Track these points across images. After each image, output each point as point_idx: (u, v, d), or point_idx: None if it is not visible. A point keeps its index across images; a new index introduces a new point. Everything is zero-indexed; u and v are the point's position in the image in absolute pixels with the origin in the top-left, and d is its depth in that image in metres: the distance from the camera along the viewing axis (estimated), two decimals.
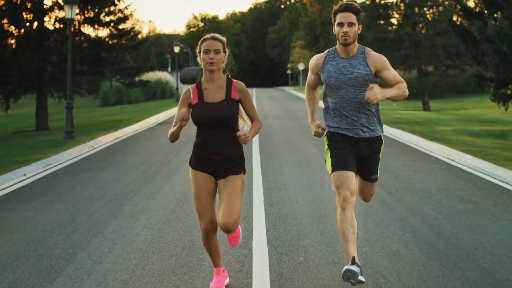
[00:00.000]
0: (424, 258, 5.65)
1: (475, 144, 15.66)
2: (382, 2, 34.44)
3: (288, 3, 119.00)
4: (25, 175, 11.06)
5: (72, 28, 25.63)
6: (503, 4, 15.26)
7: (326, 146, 5.09)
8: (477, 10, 18.88)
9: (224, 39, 4.89)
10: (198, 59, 4.87)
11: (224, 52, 4.86)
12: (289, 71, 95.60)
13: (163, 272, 5.33)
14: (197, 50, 4.87)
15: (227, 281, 5.00)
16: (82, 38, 26.49)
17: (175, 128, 4.70)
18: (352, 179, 4.85)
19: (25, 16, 25.63)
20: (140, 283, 5.04)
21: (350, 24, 4.83)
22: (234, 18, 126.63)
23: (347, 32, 4.82)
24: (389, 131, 18.35)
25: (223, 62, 4.86)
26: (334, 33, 4.92)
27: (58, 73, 24.65)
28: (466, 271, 5.29)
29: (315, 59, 5.14)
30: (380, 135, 5.10)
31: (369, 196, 5.40)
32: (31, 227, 7.06)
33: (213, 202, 4.85)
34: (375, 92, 4.67)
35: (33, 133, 23.99)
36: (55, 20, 26.42)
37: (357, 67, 4.91)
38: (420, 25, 33.68)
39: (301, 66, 78.12)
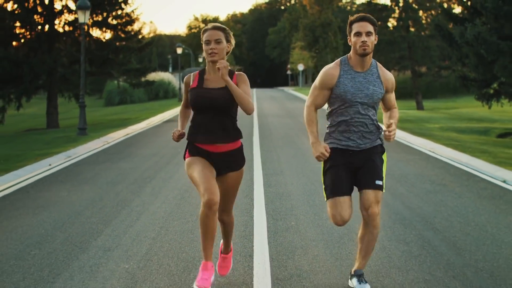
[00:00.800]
0: (390, 222, 7.03)
1: (458, 139, 17.03)
2: (379, 5, 35.82)
3: (288, 4, 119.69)
4: (50, 165, 12.42)
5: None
6: (481, 11, 16.63)
7: (322, 167, 4.99)
8: (461, 15, 20.23)
9: (225, 27, 4.77)
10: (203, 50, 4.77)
11: (228, 41, 4.78)
12: (289, 72, 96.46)
13: (183, 232, 6.69)
14: (201, 41, 4.78)
15: (213, 278, 4.73)
16: (91, 40, 27.89)
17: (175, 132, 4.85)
18: (347, 204, 4.79)
19: (36, 19, 27.05)
20: (166, 239, 6.40)
21: (368, 34, 4.74)
22: (235, 19, 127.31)
23: (366, 41, 4.71)
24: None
25: (227, 53, 4.78)
26: (350, 43, 4.82)
27: (68, 74, 26.06)
28: (423, 231, 6.66)
29: (328, 72, 4.88)
30: (380, 144, 4.98)
31: (374, 206, 4.76)
32: (68, 203, 8.43)
33: (214, 177, 4.72)
34: (394, 133, 4.75)
35: (45, 131, 25.31)
36: (65, 23, 27.85)
37: (372, 83, 4.82)
38: (412, 29, 35.10)
39: (300, 67, 79.29)
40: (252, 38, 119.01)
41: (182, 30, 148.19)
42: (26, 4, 26.52)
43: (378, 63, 4.93)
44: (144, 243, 6.20)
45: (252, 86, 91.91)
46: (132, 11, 28.64)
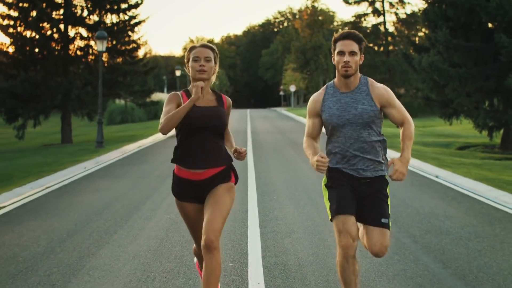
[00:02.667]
0: None
1: (420, 150, 20.23)
2: (367, 28, 39.26)
3: (281, 27, 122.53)
4: (85, 168, 15.55)
5: (93, 56, 30.57)
6: (435, 44, 19.88)
7: (323, 186, 4.72)
8: (423, 46, 23.54)
9: (215, 48, 4.61)
10: (186, 69, 4.60)
11: (215, 62, 4.60)
12: (281, 93, 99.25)
13: None
14: (185, 60, 4.59)
15: None
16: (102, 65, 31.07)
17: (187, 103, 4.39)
18: (353, 221, 4.45)
19: (53, 45, 30.19)
20: None
21: (352, 53, 4.44)
22: (229, 41, 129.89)
23: (348, 62, 4.43)
24: None
25: (213, 74, 4.61)
26: (333, 63, 4.54)
27: (82, 95, 29.21)
28: None
29: (313, 99, 4.69)
30: (384, 175, 4.64)
31: (382, 249, 4.56)
32: (108, 192, 11.54)
33: None
34: (400, 172, 4.39)
35: (61, 145, 28.36)
36: (77, 49, 31.02)
37: (361, 102, 4.50)
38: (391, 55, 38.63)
39: (292, 88, 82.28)
40: (246, 59, 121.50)
41: (177, 52, 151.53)
42: (43, 31, 29.71)
43: (369, 79, 4.61)
44: (175, 213, 9.35)
45: (246, 106, 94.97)
46: (139, 38, 31.86)
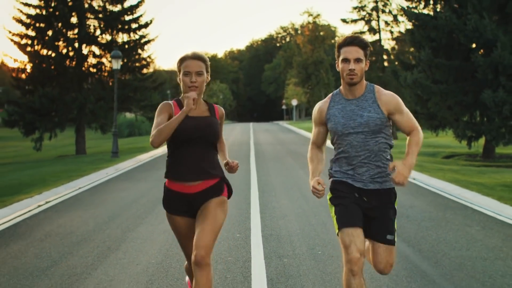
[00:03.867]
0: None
1: None
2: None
3: (283, 42, 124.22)
4: (107, 173, 17.61)
5: (106, 73, 32.78)
6: (418, 63, 21.97)
7: (328, 201, 4.58)
8: (410, 63, 25.64)
9: (206, 57, 4.47)
10: (178, 79, 4.43)
11: (207, 72, 4.46)
12: (284, 106, 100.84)
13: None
14: (177, 69, 4.40)
15: None
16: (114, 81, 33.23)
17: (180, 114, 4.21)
18: (360, 236, 4.31)
19: (67, 63, 32.32)
20: None
21: (357, 60, 4.28)
22: (232, 55, 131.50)
23: (353, 69, 4.27)
24: None
25: (206, 83, 4.45)
26: (338, 69, 4.40)
27: (97, 109, 31.34)
28: None
29: (318, 107, 4.59)
30: (393, 188, 4.54)
31: (387, 266, 4.56)
32: (132, 190, 13.56)
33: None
34: (402, 174, 4.23)
35: (76, 156, 30.37)
36: (89, 66, 33.16)
37: (366, 109, 4.36)
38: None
39: (294, 102, 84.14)
40: (249, 74, 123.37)
41: None
42: (59, 49, 31.87)
43: (376, 86, 4.45)
44: None
45: (249, 120, 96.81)
46: (148, 56, 34.02)
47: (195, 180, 4.37)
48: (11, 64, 32.67)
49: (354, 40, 4.32)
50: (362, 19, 41.29)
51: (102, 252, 7.47)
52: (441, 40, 20.73)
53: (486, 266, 6.56)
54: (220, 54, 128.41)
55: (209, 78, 4.53)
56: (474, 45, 20.50)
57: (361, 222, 4.38)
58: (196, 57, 4.40)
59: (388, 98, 4.39)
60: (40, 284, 6.09)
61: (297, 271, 6.37)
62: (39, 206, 11.38)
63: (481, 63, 19.32)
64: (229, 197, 4.60)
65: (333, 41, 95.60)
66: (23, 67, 32.06)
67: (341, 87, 4.48)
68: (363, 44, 4.34)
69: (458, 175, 16.42)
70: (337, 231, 4.39)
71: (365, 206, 4.45)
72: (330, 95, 4.57)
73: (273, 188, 13.26)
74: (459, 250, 7.34)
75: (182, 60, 4.42)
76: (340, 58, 4.35)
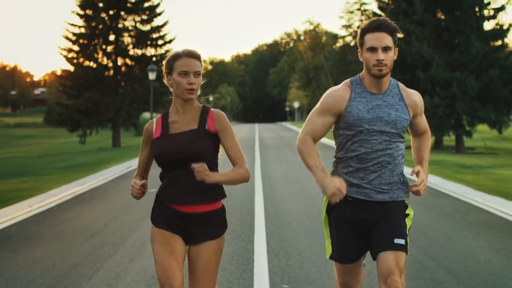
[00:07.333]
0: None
1: None
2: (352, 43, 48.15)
3: (287, 47, 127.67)
4: None
5: (137, 81, 39.90)
6: None
7: (324, 218, 3.87)
8: None
9: (200, 55, 3.65)
10: (166, 80, 3.68)
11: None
12: (287, 108, 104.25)
13: None
14: (164, 70, 3.66)
15: None
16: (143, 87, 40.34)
17: (133, 188, 3.69)
18: (358, 270, 3.82)
19: (106, 73, 39.44)
20: None
21: (386, 49, 3.56)
22: (238, 60, 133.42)
23: (382, 60, 3.54)
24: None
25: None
26: (361, 59, 3.66)
27: (131, 110, 38.45)
28: None
29: (336, 94, 3.70)
30: (404, 201, 3.76)
31: (397, 272, 3.48)
32: None
33: (182, 268, 3.59)
34: (424, 183, 3.63)
35: (114, 148, 37.30)
36: (123, 75, 40.23)
37: (394, 107, 3.64)
38: None
39: (296, 104, 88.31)
40: (254, 77, 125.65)
41: None
42: (99, 60, 39.01)
43: (399, 83, 3.77)
44: None
45: (254, 121, 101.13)
46: None
47: (190, 203, 3.57)
48: (59, 73, 39.78)
49: (381, 25, 3.57)
50: (350, 35, 48.32)
51: None
52: (396, 60, 27.78)
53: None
54: (227, 59, 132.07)
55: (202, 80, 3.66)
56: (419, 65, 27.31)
57: (362, 252, 3.78)
58: (193, 55, 3.60)
59: (416, 98, 3.76)
60: None
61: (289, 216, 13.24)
62: (127, 168, 18.43)
63: (422, 78, 26.31)
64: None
65: (334, 46, 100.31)
66: (69, 76, 39.19)
67: (360, 75, 3.72)
68: (391, 29, 3.59)
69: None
70: (328, 257, 3.87)
71: (367, 222, 3.71)
72: (347, 82, 3.75)
73: (270, 160, 20.25)
74: None
75: (175, 58, 3.60)
76: (365, 47, 3.61)
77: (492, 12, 27.57)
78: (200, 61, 3.65)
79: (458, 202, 11.35)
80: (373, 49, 3.58)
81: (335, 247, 3.81)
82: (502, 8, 27.36)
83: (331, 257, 3.86)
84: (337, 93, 3.72)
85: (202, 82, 3.69)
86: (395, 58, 3.68)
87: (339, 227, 3.78)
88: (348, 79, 3.79)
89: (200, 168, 3.44)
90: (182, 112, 3.67)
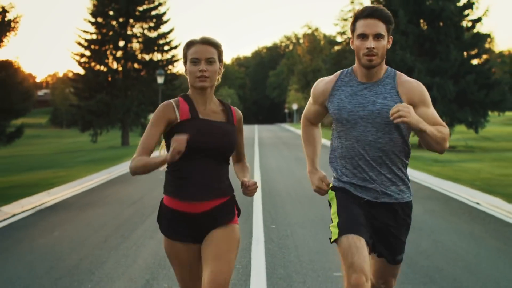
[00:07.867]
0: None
1: None
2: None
3: (286, 50, 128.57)
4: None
5: (144, 83, 42.67)
6: None
7: (329, 196, 3.68)
8: None
9: (219, 43, 3.49)
10: (184, 71, 3.49)
11: (220, 61, 3.47)
12: (286, 110, 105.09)
13: None
14: (183, 60, 3.49)
15: None
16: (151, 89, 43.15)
17: (158, 159, 3.38)
18: (365, 253, 3.33)
19: (116, 76, 42.24)
20: None
21: (377, 36, 3.36)
22: (239, 62, 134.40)
23: (373, 48, 3.35)
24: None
25: (218, 76, 3.47)
26: (352, 47, 3.48)
27: (140, 111, 41.27)
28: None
29: (322, 84, 3.65)
30: (410, 200, 3.60)
31: (391, 279, 3.80)
32: None
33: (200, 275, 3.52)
34: (408, 110, 3.19)
35: (123, 146, 40.09)
36: (132, 78, 43.00)
37: (382, 95, 3.43)
38: None
39: (294, 106, 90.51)
40: (254, 79, 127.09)
41: None
42: (111, 66, 41.87)
43: (398, 72, 3.54)
44: None
45: (254, 122, 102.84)
46: (177, 71, 43.96)
47: (203, 200, 3.39)
48: (71, 76, 42.68)
49: (375, 12, 3.37)
50: (344, 41, 51.09)
51: None
52: None
53: None
54: (228, 61, 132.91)
55: (223, 69, 3.51)
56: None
57: (368, 236, 3.46)
58: (207, 41, 3.42)
59: (412, 85, 3.45)
60: None
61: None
62: None
63: None
64: (238, 216, 3.59)
65: (332, 49, 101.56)
66: (81, 78, 42.00)
67: (354, 66, 3.55)
68: (385, 17, 3.38)
69: None
70: (335, 237, 3.44)
71: (373, 222, 3.55)
72: (338, 72, 3.63)
73: (271, 166, 23.07)
74: None
75: (188, 46, 3.44)
76: (356, 34, 3.42)
77: (470, 24, 30.55)
78: (216, 47, 3.45)
79: (415, 184, 14.15)
80: (363, 36, 3.39)
81: (343, 218, 3.46)
82: (479, 19, 30.35)
83: (339, 234, 3.41)
84: (322, 82, 3.66)
85: (219, 70, 3.47)
86: (389, 47, 3.47)
87: (348, 199, 3.56)
88: (341, 70, 3.68)
89: (253, 186, 3.49)
90: (202, 104, 3.43)
